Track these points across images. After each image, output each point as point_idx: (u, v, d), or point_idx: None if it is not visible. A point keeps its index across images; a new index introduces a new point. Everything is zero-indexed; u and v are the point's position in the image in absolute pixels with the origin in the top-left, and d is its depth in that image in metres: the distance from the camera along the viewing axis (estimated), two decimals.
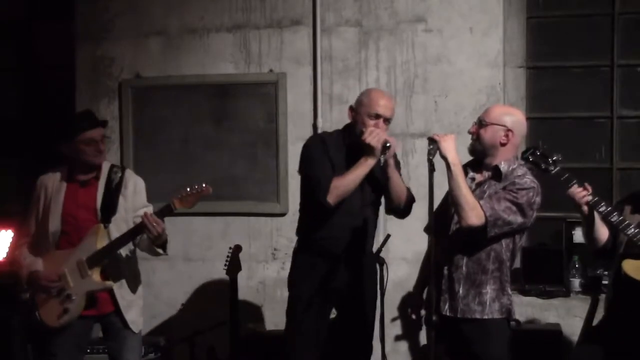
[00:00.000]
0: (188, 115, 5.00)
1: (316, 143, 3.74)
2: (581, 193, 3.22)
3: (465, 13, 4.68)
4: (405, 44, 4.76)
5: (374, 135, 3.47)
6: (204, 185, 3.60)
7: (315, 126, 4.83)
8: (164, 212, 3.58)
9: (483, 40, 4.67)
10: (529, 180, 3.22)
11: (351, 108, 3.72)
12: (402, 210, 3.73)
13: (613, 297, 3.45)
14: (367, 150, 3.49)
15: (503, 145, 3.25)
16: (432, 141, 3.17)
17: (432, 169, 3.09)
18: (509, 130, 3.25)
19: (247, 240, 4.44)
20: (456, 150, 3.16)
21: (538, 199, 3.23)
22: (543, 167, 3.27)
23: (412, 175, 4.73)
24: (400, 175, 3.72)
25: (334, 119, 4.83)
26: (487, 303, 3.23)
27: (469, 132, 3.33)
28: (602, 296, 3.91)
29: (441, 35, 4.71)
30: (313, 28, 4.85)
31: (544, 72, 4.93)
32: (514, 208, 3.16)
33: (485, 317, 3.22)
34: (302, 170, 3.78)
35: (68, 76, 5.20)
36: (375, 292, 3.77)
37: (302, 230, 3.80)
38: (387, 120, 3.62)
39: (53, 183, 3.74)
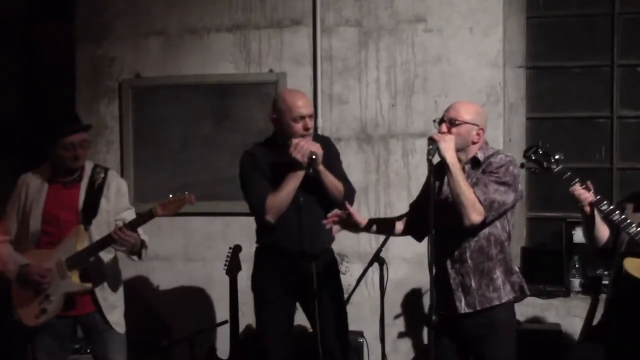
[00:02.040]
0: (188, 115, 5.00)
1: (247, 161, 3.82)
2: (584, 194, 3.23)
3: (465, 13, 4.68)
4: (405, 44, 4.76)
5: (298, 150, 3.59)
6: (186, 193, 3.62)
7: (315, 126, 4.81)
8: (145, 217, 3.60)
9: (483, 40, 4.67)
10: (502, 156, 3.27)
11: (272, 118, 3.78)
12: (342, 205, 3.79)
13: (613, 295, 3.45)
14: (294, 164, 3.61)
15: (474, 143, 3.29)
16: (432, 141, 3.17)
17: (431, 169, 3.10)
18: (480, 129, 3.29)
19: (247, 240, 4.42)
20: (455, 150, 3.17)
21: (517, 171, 3.26)
22: (545, 165, 3.28)
23: (412, 175, 4.73)
24: (341, 165, 3.89)
25: (334, 119, 4.84)
26: (500, 287, 3.26)
27: (441, 133, 3.27)
28: (602, 296, 3.91)
29: (441, 35, 4.71)
30: (313, 28, 4.84)
31: (544, 72, 4.92)
32: (502, 188, 3.18)
33: (504, 300, 3.25)
34: (241, 188, 3.88)
35: (68, 76, 5.20)
36: (337, 284, 3.90)
37: (259, 234, 3.91)
38: (311, 117, 3.72)
39: (35, 183, 3.75)
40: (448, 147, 3.14)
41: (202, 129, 4.98)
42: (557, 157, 3.27)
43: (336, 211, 3.52)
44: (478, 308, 3.25)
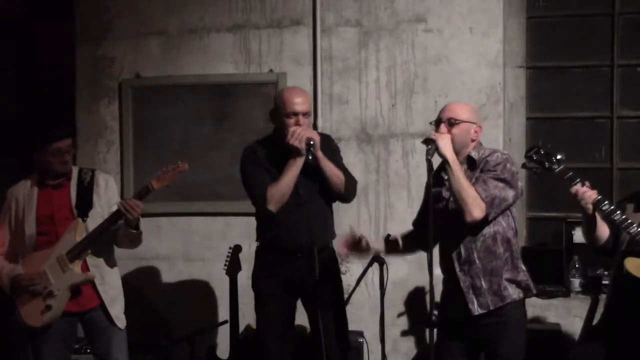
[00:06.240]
0: (188, 115, 5.00)
1: (247, 155, 3.86)
2: (589, 191, 3.23)
3: (465, 13, 4.68)
4: (405, 44, 4.76)
5: (295, 136, 3.60)
6: (179, 162, 3.69)
7: (315, 126, 4.82)
8: (142, 193, 3.68)
9: (483, 40, 4.67)
10: (499, 154, 3.31)
11: (270, 114, 3.81)
12: (344, 195, 3.85)
13: (613, 294, 3.46)
14: (293, 151, 3.63)
15: (473, 141, 3.32)
16: (430, 141, 3.18)
17: (430, 169, 3.11)
18: (478, 126, 3.34)
19: (247, 240, 4.43)
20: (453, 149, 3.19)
21: (514, 168, 3.29)
22: (547, 165, 3.29)
23: (412, 175, 4.74)
24: (341, 159, 3.88)
25: (334, 119, 4.84)
26: (510, 285, 3.29)
27: (439, 133, 3.30)
28: (602, 296, 3.91)
29: (441, 35, 4.71)
30: (313, 28, 4.85)
31: (544, 72, 4.93)
32: (501, 184, 3.21)
33: (515, 297, 3.28)
34: (242, 182, 3.91)
35: (68, 76, 5.20)
36: (336, 281, 3.90)
37: (258, 231, 3.92)
38: (305, 114, 3.71)
39: (24, 191, 3.82)
40: (447, 145, 3.17)
41: (202, 129, 4.98)
42: (558, 157, 3.28)
43: (346, 237, 3.57)
44: (491, 308, 3.27)
